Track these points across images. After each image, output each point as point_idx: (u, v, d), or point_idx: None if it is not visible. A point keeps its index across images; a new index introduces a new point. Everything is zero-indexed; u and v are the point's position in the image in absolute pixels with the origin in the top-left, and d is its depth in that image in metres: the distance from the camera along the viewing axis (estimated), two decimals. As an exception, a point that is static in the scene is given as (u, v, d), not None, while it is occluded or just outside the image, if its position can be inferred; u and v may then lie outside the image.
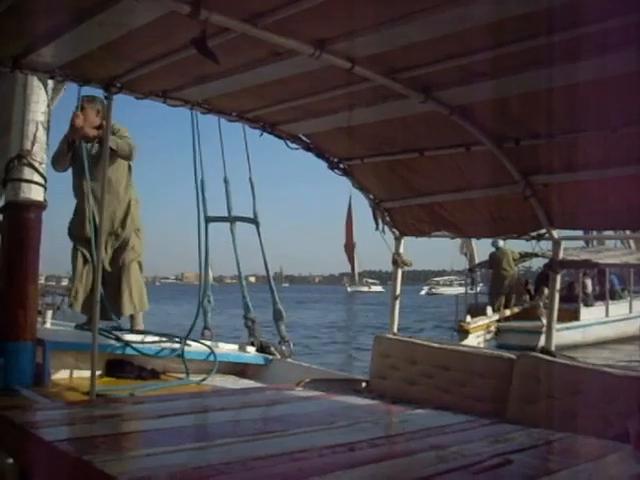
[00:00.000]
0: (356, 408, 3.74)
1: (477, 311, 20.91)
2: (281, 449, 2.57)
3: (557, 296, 5.53)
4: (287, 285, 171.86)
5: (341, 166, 6.17)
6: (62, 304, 46.82)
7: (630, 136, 4.32)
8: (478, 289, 28.44)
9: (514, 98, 4.38)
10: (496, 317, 20.41)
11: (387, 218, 6.44)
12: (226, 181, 8.04)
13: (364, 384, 6.34)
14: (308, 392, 4.51)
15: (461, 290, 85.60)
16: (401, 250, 6.56)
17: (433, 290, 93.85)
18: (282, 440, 2.77)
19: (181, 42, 3.85)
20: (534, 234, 5.56)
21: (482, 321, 19.62)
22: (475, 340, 18.15)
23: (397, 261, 6.53)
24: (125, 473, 2.15)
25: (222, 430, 3.05)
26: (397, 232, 6.53)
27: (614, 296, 23.82)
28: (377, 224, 6.46)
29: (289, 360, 7.35)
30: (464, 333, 18.36)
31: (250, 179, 7.94)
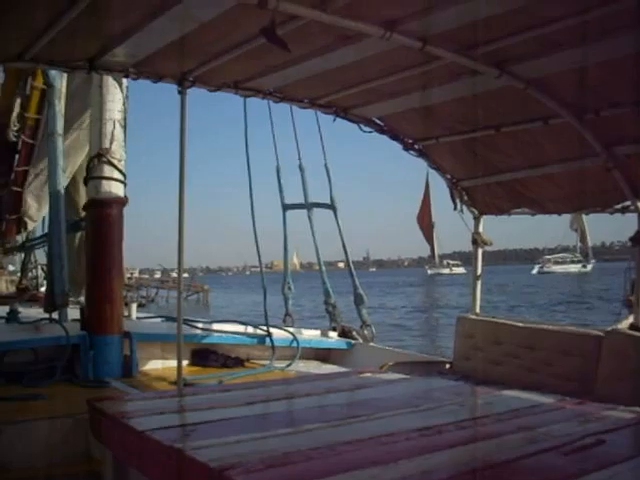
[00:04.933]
0: (441, 390, 3.71)
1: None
2: (368, 433, 2.57)
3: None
4: (374, 270, 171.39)
5: (416, 147, 6.11)
6: (156, 296, 47.83)
7: None
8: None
9: (593, 67, 4.24)
10: None
11: (465, 197, 6.36)
12: (301, 168, 8.09)
13: (448, 366, 6.31)
14: (392, 375, 4.50)
15: (574, 268, 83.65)
16: (480, 229, 6.47)
17: (545, 269, 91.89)
18: (368, 424, 2.77)
19: (251, 32, 3.86)
20: (618, 207, 5.39)
21: None
22: None
23: (477, 240, 6.45)
24: (216, 460, 2.18)
25: (309, 416, 3.07)
26: (476, 211, 6.45)
27: None
28: (455, 204, 6.39)
29: (371, 344, 7.35)
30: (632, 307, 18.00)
31: (325, 165, 7.97)
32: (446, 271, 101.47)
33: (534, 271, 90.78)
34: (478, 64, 4.30)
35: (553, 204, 5.87)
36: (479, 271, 6.56)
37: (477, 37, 3.99)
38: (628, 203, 5.28)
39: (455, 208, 6.41)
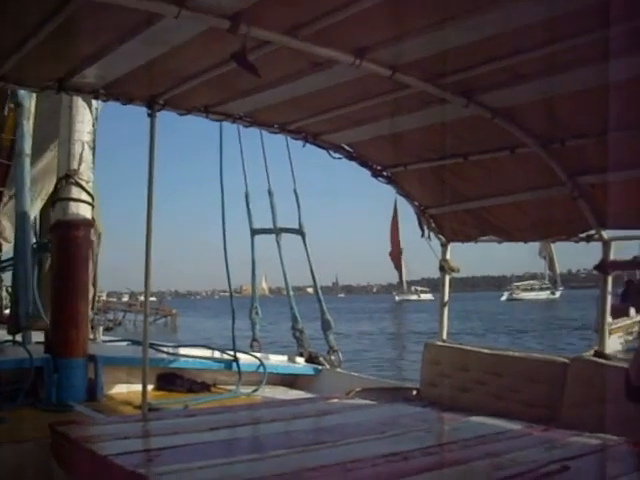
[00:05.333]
0: (407, 416, 3.71)
1: (614, 313, 20.93)
2: (334, 459, 2.56)
3: (609, 298, 5.43)
4: (343, 295, 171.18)
5: (385, 174, 6.15)
6: (123, 320, 47.14)
7: None
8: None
9: (559, 98, 4.32)
10: (639, 318, 20.18)
11: (433, 225, 6.40)
12: (270, 193, 8.10)
13: (415, 392, 6.30)
14: (358, 401, 4.49)
15: (542, 295, 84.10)
16: (448, 256, 6.51)
17: (514, 295, 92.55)
18: (334, 450, 2.76)
19: (222, 57, 3.88)
20: (583, 235, 5.47)
21: (624, 322, 19.46)
22: (617, 340, 17.92)
23: (444, 267, 6.49)
24: None
25: (274, 441, 3.05)
26: (443, 238, 6.49)
27: None
28: (423, 231, 6.44)
29: (338, 370, 7.33)
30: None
31: (295, 190, 7.99)
32: (414, 297, 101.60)
33: (504, 298, 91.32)
34: (446, 93, 4.36)
35: (520, 232, 5.93)
36: (446, 298, 6.59)
37: (445, 66, 4.05)
38: (593, 232, 5.35)
39: (423, 235, 6.46)
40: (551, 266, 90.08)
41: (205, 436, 3.12)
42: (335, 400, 4.40)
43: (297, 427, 3.48)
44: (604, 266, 5.31)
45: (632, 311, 20.48)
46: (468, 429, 3.31)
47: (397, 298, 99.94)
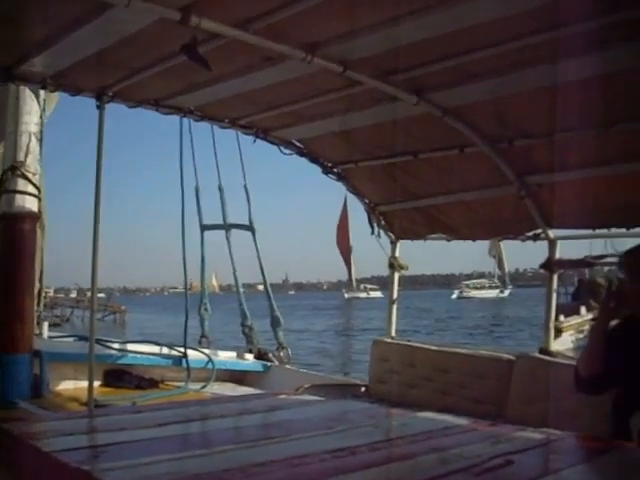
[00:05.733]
0: (355, 412, 3.71)
1: (565, 311, 21.36)
2: (281, 455, 2.53)
3: (554, 296, 5.52)
4: (293, 293, 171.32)
5: (335, 170, 6.16)
6: (71, 316, 46.65)
7: (624, 134, 4.33)
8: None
9: (507, 98, 4.38)
10: (590, 316, 20.55)
11: (382, 222, 6.43)
12: (220, 189, 8.06)
13: (363, 389, 6.33)
14: (307, 397, 4.48)
15: (492, 293, 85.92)
16: (397, 254, 6.55)
17: (464, 294, 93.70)
18: (281, 446, 2.74)
19: (172, 49, 3.83)
20: (530, 234, 5.55)
21: (575, 320, 19.81)
22: (568, 338, 18.24)
23: (393, 265, 6.53)
24: None
25: (221, 437, 3.02)
26: (393, 236, 6.53)
27: None
28: (372, 228, 6.46)
29: (287, 366, 7.33)
30: (557, 332, 18.68)
31: (245, 186, 7.96)
32: (363, 295, 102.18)
33: (454, 296, 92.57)
34: (397, 90, 4.38)
35: (468, 230, 6.00)
36: (395, 295, 6.64)
37: (396, 64, 4.06)
38: (539, 231, 5.44)
39: (372, 232, 6.48)
40: (500, 265, 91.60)
41: (152, 432, 3.08)
42: (283, 396, 4.38)
43: (245, 423, 3.45)
44: (550, 265, 5.41)
45: (583, 310, 20.98)
46: (415, 425, 3.31)
47: (346, 295, 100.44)
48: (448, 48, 3.81)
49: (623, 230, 4.97)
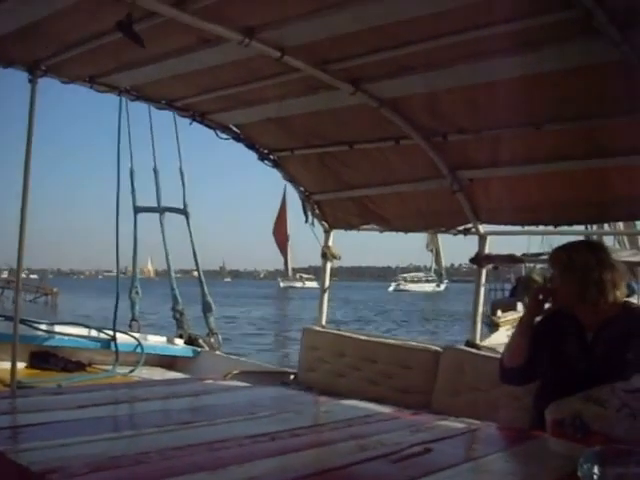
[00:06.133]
0: (280, 399, 3.73)
1: (502, 306, 21.82)
2: (201, 439, 2.53)
3: (482, 290, 5.61)
4: (229, 280, 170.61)
5: (271, 157, 6.13)
6: (2, 297, 45.46)
7: (553, 133, 4.42)
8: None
9: (442, 93, 4.43)
10: None
11: (316, 211, 6.44)
12: (155, 171, 7.95)
13: (292, 376, 6.34)
14: (233, 383, 4.48)
15: (428, 287, 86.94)
16: (330, 243, 6.57)
17: (401, 287, 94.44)
18: (203, 430, 2.73)
19: (109, 25, 3.73)
20: (461, 228, 5.62)
21: (512, 316, 20.18)
22: (505, 333, 18.59)
23: (326, 254, 6.54)
24: (37, 463, 2.09)
25: (143, 421, 2.99)
26: (326, 225, 6.54)
27: None
28: (307, 217, 6.46)
29: (217, 352, 7.29)
30: (495, 326, 19.13)
31: (180, 169, 7.85)
32: (299, 284, 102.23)
33: (391, 288, 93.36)
34: (334, 80, 4.38)
35: (401, 222, 6.04)
36: (327, 284, 6.66)
37: (334, 53, 4.08)
38: (470, 225, 5.52)
39: (307, 221, 6.48)
40: (437, 259, 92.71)
41: (73, 414, 3.03)
42: (210, 381, 4.37)
43: (168, 407, 3.43)
44: (479, 259, 5.49)
45: (520, 306, 21.47)
46: (338, 412, 3.34)
47: (282, 284, 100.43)
48: (385, 40, 3.83)
49: (551, 228, 5.07)
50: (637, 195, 4.56)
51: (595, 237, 24.88)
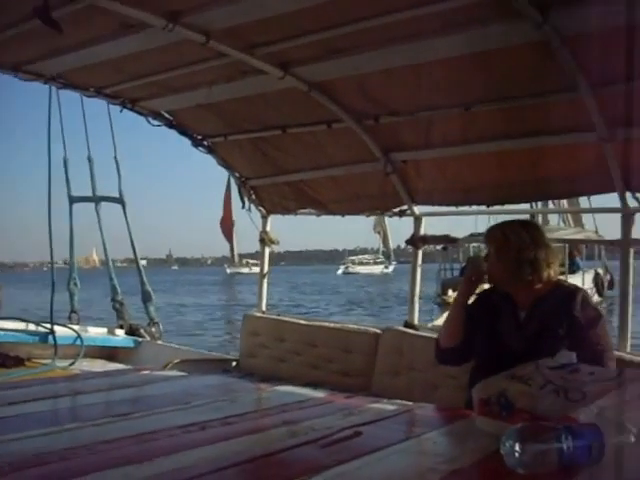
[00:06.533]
0: (216, 387, 3.70)
1: (453, 286, 22.07)
2: (131, 431, 2.50)
3: (419, 271, 5.65)
4: (176, 268, 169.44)
5: (205, 143, 6.07)
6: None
7: (484, 114, 4.46)
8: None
9: (372, 75, 4.42)
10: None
11: (253, 196, 6.39)
12: (90, 159, 7.80)
13: (234, 363, 6.32)
14: (170, 373, 4.45)
15: (376, 269, 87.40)
16: (268, 228, 6.54)
17: (350, 269, 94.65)
18: (133, 422, 2.70)
19: (29, 10, 3.66)
20: (397, 210, 5.65)
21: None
22: None
23: (264, 239, 6.52)
24: None
25: (72, 414, 2.96)
26: (263, 210, 6.50)
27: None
28: (243, 202, 6.42)
29: (159, 342, 7.22)
30: (446, 305, 19.45)
31: (115, 157, 7.72)
32: (245, 270, 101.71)
33: (339, 272, 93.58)
34: (262, 64, 4.34)
35: (337, 205, 6.03)
36: (266, 269, 6.64)
37: (261, 36, 4.04)
38: (405, 207, 5.54)
39: (243, 207, 6.44)
40: (385, 241, 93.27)
41: (11, 410, 2.98)
42: (147, 372, 4.32)
43: (101, 400, 3.38)
44: (415, 240, 5.53)
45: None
46: (272, 398, 3.35)
47: (228, 271, 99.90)
48: (312, 22, 3.81)
49: (484, 207, 5.13)
50: (569, 174, 4.63)
51: (540, 215, 25.46)
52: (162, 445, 2.31)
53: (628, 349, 4.39)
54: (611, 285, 30.48)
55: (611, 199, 4.51)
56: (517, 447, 1.79)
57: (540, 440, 1.81)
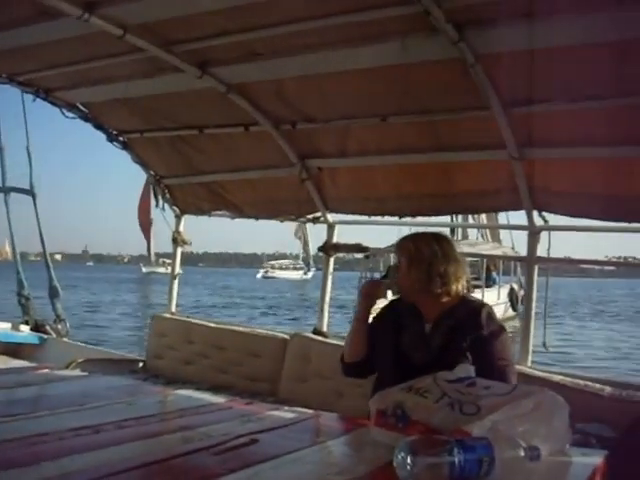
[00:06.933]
0: (115, 389, 3.60)
1: None
2: (19, 433, 2.40)
3: (330, 279, 5.67)
4: (92, 264, 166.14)
5: (120, 139, 5.94)
6: None
7: (399, 126, 4.50)
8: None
9: (290, 80, 4.42)
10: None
11: (167, 195, 6.29)
12: (0, 148, 7.57)
13: (141, 364, 6.20)
14: (71, 373, 4.33)
15: (296, 274, 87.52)
16: (181, 228, 6.45)
17: (269, 274, 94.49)
18: (22, 423, 2.60)
19: None
20: (311, 217, 5.65)
21: (383, 303, 20.44)
22: None
23: (177, 240, 6.43)
24: None
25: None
26: (177, 210, 6.40)
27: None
28: (157, 201, 6.32)
29: (65, 339, 7.04)
30: None
31: (27, 148, 7.53)
32: (162, 270, 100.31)
33: (259, 275, 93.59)
34: (180, 61, 4.28)
35: (251, 209, 5.99)
36: (177, 270, 6.56)
37: (179, 33, 3.99)
38: (319, 214, 5.55)
39: (157, 205, 6.34)
40: (305, 247, 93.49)
41: None
42: (46, 370, 4.18)
43: (-6, 398, 3.25)
44: (327, 248, 5.54)
45: (389, 294, 21.93)
46: (172, 402, 3.28)
47: (144, 269, 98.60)
48: (232, 23, 3.78)
49: (396, 219, 5.18)
50: (480, 190, 4.72)
51: (460, 229, 25.91)
52: (50, 448, 2.23)
53: (529, 363, 4.49)
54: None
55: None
56: (409, 459, 1.79)
57: (431, 453, 1.82)
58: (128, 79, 4.75)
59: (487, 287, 27.57)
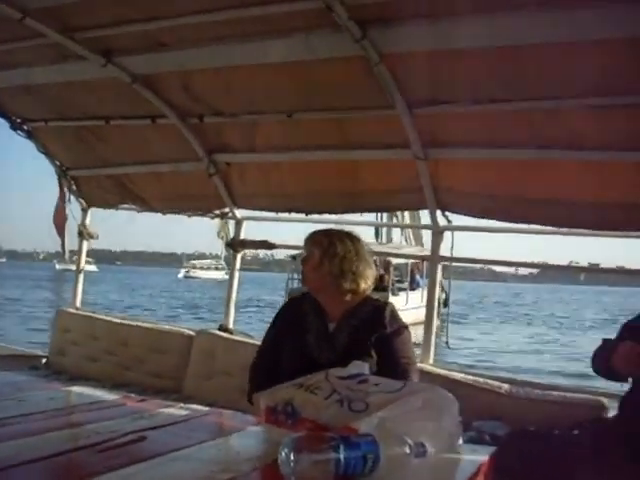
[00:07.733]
0: (9, 385, 3.47)
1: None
2: None
3: (237, 276, 5.63)
4: (4, 261, 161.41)
5: (25, 128, 5.74)
6: None
7: (306, 122, 4.50)
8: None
9: (196, 73, 4.36)
10: None
11: (74, 187, 6.13)
12: None
13: (44, 360, 6.03)
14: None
15: (217, 274, 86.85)
16: (88, 222, 6.29)
17: (191, 273, 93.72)
18: None
19: None
20: (218, 212, 5.59)
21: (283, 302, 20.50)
22: None
23: (82, 233, 6.27)
24: None
25: None
26: (84, 203, 6.24)
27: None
28: (63, 193, 6.14)
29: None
30: None
31: None
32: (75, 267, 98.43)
33: (180, 275, 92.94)
34: (82, 49, 4.17)
35: (159, 203, 5.88)
36: (82, 265, 6.45)
37: (82, 20, 3.88)
38: (227, 210, 5.50)
39: (63, 198, 6.17)
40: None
41: None
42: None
43: None
44: (234, 244, 5.50)
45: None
46: (64, 399, 3.19)
47: (58, 267, 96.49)
48: (136, 11, 3.72)
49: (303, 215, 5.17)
50: (385, 189, 4.74)
51: (384, 231, 26.07)
52: None
53: (431, 361, 4.54)
54: (445, 303, 31.74)
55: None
56: (292, 456, 1.78)
57: (315, 450, 1.80)
58: (30, 65, 4.60)
59: (411, 290, 27.96)
